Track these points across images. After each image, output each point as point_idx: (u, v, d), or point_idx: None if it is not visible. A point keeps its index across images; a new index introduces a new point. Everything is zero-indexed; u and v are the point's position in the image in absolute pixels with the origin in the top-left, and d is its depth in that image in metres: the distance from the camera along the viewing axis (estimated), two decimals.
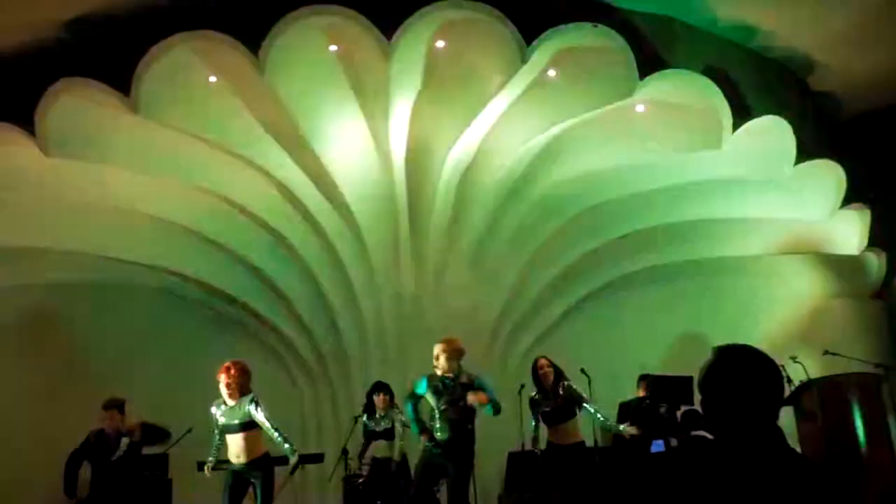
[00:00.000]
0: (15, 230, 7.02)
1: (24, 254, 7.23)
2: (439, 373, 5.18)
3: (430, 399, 5.21)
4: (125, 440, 5.78)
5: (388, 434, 6.56)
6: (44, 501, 6.84)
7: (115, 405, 5.82)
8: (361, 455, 6.77)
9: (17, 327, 7.54)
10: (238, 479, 5.19)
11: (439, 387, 5.18)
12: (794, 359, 6.40)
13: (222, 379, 5.10)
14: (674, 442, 6.22)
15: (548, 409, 5.78)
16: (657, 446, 6.52)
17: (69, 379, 7.45)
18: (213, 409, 5.23)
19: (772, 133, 7.31)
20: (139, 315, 8.20)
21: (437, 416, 5.18)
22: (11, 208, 6.85)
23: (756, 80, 7.64)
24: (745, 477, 1.57)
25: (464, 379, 5.18)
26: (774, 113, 7.29)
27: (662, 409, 6.26)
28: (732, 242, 8.16)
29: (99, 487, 5.71)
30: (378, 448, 6.72)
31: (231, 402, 5.12)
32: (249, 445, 5.13)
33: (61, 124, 6.21)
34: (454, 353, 5.16)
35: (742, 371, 1.68)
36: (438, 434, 5.14)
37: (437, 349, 5.20)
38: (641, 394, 6.87)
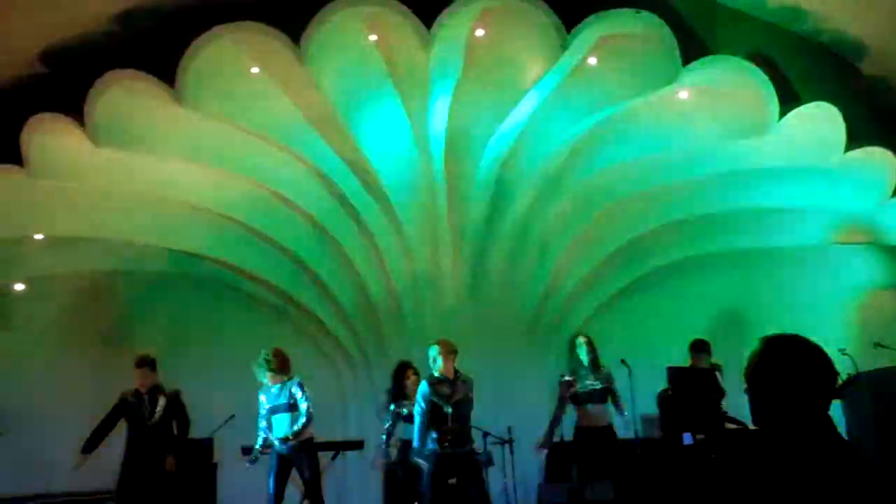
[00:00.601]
0: (67, 219, 7.24)
1: (74, 242, 7.45)
2: (437, 374, 5.25)
3: (436, 400, 5.23)
4: (162, 401, 5.73)
5: None
6: (91, 477, 7.08)
7: (147, 363, 5.78)
8: (387, 442, 6.64)
9: (69, 313, 7.79)
10: (283, 463, 5.30)
11: (444, 388, 5.23)
12: (842, 351, 6.23)
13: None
14: (699, 436, 6.13)
15: (585, 388, 5.74)
16: (688, 439, 6.44)
17: (117, 364, 7.66)
18: (261, 395, 5.38)
19: (820, 119, 7.09)
20: (183, 303, 8.40)
21: (445, 416, 5.22)
22: (63, 198, 7.06)
23: (804, 65, 7.41)
24: (797, 470, 1.53)
25: (462, 377, 5.30)
26: (823, 99, 7.07)
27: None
28: (778, 232, 7.98)
29: (137, 448, 5.65)
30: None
31: (275, 384, 5.26)
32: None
33: (110, 115, 6.36)
34: (452, 354, 5.27)
35: (792, 361, 1.64)
36: (449, 434, 5.20)
37: (436, 351, 5.27)
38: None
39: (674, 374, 6.35)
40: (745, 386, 1.77)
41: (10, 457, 6.59)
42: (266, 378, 5.38)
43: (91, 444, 5.65)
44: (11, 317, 7.46)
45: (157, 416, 5.71)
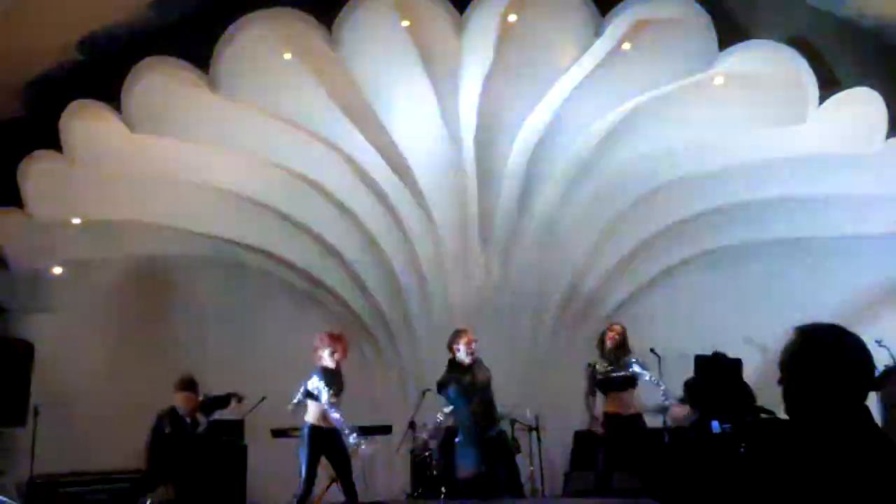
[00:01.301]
0: (104, 204, 7.39)
1: (111, 227, 7.62)
2: (468, 360, 5.30)
3: (460, 387, 5.32)
4: (204, 420, 5.98)
5: None
6: (127, 456, 7.27)
7: (191, 387, 5.97)
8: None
9: (108, 297, 7.97)
10: (319, 443, 5.34)
11: (466, 376, 5.30)
12: (879, 342, 6.11)
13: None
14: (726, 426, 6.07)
15: (609, 375, 5.72)
16: (716, 427, 6.38)
17: (154, 346, 7.85)
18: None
19: (861, 105, 6.90)
20: (217, 287, 8.55)
21: (472, 399, 5.29)
22: (100, 183, 7.21)
23: (846, 49, 7.19)
24: (833, 460, 1.51)
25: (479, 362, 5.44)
26: (865, 84, 6.88)
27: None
28: (816, 221, 7.81)
29: (183, 461, 5.87)
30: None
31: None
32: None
33: (146, 102, 6.46)
34: (472, 342, 5.43)
35: (830, 351, 1.62)
36: (481, 416, 5.28)
37: (471, 336, 5.39)
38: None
39: (701, 362, 6.30)
40: (779, 376, 1.75)
41: (51, 436, 6.76)
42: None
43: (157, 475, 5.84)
44: (53, 299, 7.65)
45: (202, 429, 5.99)
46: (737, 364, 5.99)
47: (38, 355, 7.21)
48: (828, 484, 1.50)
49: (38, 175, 6.72)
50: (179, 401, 5.94)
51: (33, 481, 6.73)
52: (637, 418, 5.80)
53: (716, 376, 6.04)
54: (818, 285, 7.80)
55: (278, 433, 6.93)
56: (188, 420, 5.96)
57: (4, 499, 5.25)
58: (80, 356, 7.54)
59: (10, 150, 6.65)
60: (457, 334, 5.46)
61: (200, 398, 5.95)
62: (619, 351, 5.80)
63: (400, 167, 7.85)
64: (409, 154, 7.75)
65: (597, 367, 5.88)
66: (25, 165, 6.62)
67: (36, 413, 6.73)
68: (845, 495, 1.48)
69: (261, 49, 6.49)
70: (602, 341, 5.94)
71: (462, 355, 5.33)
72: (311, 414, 5.40)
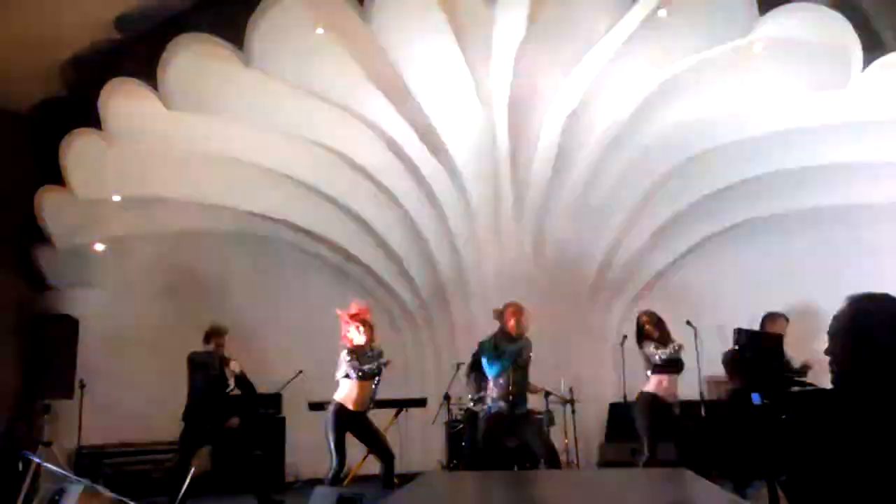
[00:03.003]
0: (142, 181, 7.51)
1: (151, 203, 7.74)
2: (515, 332, 5.29)
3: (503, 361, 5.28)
4: (235, 365, 5.98)
5: None
6: (172, 430, 7.47)
7: (221, 333, 6.12)
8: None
9: (148, 272, 8.14)
10: (345, 418, 5.40)
11: (516, 344, 5.29)
12: None
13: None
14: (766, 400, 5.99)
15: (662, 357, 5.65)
16: (756, 398, 6.32)
17: (193, 319, 7.99)
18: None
19: None
20: (253, 262, 8.67)
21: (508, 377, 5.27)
22: (140, 160, 7.32)
23: (892, 11, 6.95)
24: (882, 427, 1.49)
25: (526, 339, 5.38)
26: None
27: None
28: (859, 188, 7.63)
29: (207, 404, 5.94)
30: None
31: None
32: (368, 393, 5.48)
33: (181, 79, 6.51)
34: (518, 314, 5.37)
35: (881, 319, 1.59)
36: (515, 388, 5.27)
37: (520, 309, 5.35)
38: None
39: (742, 335, 6.21)
40: (828, 346, 1.72)
41: (96, 408, 6.97)
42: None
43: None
44: (96, 275, 7.83)
45: (230, 388, 6.04)
46: (779, 338, 5.91)
47: (82, 330, 7.42)
48: (874, 448, 1.48)
49: (78, 153, 6.84)
50: (215, 347, 6.04)
51: (80, 451, 6.97)
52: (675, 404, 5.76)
53: (757, 349, 5.98)
54: (862, 253, 7.65)
55: (315, 406, 7.06)
56: (220, 362, 6.01)
57: (54, 467, 5.44)
58: (123, 331, 7.72)
59: (51, 128, 6.79)
60: (506, 307, 5.43)
61: (238, 371, 6.03)
62: (663, 338, 5.73)
63: (433, 141, 7.82)
64: (442, 128, 7.72)
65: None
66: (66, 143, 6.75)
67: (82, 386, 6.94)
68: (890, 462, 1.46)
69: (293, 24, 6.48)
70: (641, 330, 5.86)
71: (510, 327, 5.32)
72: (339, 392, 5.45)
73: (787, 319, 6.18)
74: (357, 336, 5.47)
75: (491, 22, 6.74)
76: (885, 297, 1.64)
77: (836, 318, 1.67)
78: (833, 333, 1.66)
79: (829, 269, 7.49)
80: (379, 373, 5.50)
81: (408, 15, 6.61)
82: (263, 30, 6.28)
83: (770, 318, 6.20)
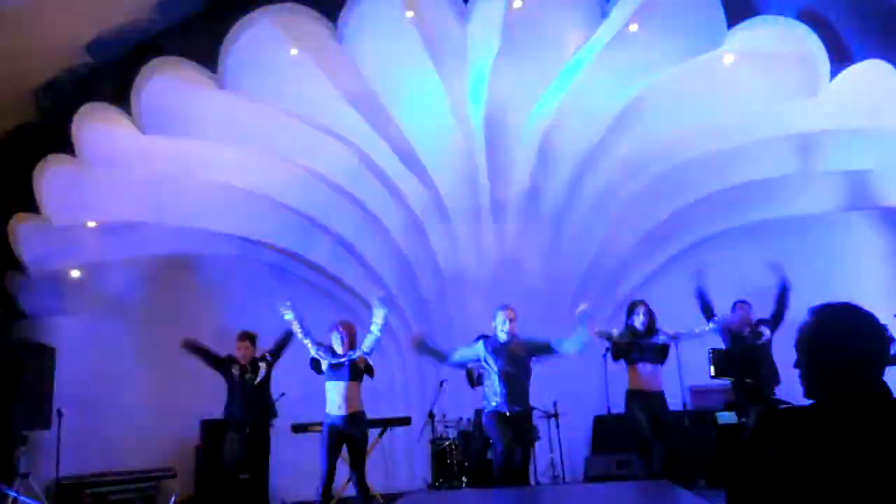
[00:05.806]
0: (118, 206, 7.43)
1: (127, 228, 7.65)
2: (505, 336, 5.29)
3: (492, 362, 5.29)
4: (263, 364, 6.29)
5: None
6: (152, 457, 7.35)
7: (250, 337, 6.38)
8: None
9: (125, 298, 8.03)
10: (336, 436, 5.38)
11: (506, 344, 5.32)
12: None
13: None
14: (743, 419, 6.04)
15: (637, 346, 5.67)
16: (723, 417, 6.42)
17: (173, 346, 7.90)
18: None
19: (874, 79, 6.80)
20: (230, 283, 8.58)
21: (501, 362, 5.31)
22: (114, 185, 7.25)
23: (858, 23, 7.07)
24: (853, 438, 1.50)
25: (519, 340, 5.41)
26: (879, 58, 6.76)
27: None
28: (831, 197, 7.73)
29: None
30: None
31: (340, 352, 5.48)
32: (352, 395, 5.46)
33: (155, 103, 6.48)
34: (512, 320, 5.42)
35: (846, 329, 1.60)
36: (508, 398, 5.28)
37: (510, 312, 5.36)
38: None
39: (715, 357, 6.27)
40: (796, 359, 1.73)
41: (75, 438, 6.85)
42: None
43: (196, 347, 6.31)
44: (73, 302, 7.72)
45: (261, 378, 6.32)
46: (754, 352, 5.96)
47: (59, 358, 7.30)
48: (844, 462, 1.49)
49: (52, 179, 6.77)
50: (238, 348, 6.32)
51: (59, 482, 6.83)
52: (661, 397, 5.77)
53: (731, 370, 6.05)
54: (834, 262, 7.75)
55: (299, 428, 7.00)
56: (245, 367, 6.27)
57: (31, 500, 5.32)
58: (101, 358, 7.60)
59: (23, 155, 6.71)
60: (498, 309, 5.44)
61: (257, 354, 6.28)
62: (649, 327, 5.80)
63: (410, 158, 7.84)
64: (419, 145, 7.74)
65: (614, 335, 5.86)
66: (39, 170, 6.67)
67: (59, 415, 6.82)
68: (865, 474, 1.47)
69: (267, 46, 6.50)
70: (629, 318, 5.92)
71: (498, 330, 5.32)
72: (329, 404, 5.45)
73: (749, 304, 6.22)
74: (337, 344, 5.56)
75: (465, 39, 6.80)
76: (846, 306, 1.65)
77: (801, 330, 1.68)
78: (799, 345, 1.67)
79: (806, 279, 7.55)
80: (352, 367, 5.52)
81: (382, 34, 6.65)
82: (237, 52, 6.28)
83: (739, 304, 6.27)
